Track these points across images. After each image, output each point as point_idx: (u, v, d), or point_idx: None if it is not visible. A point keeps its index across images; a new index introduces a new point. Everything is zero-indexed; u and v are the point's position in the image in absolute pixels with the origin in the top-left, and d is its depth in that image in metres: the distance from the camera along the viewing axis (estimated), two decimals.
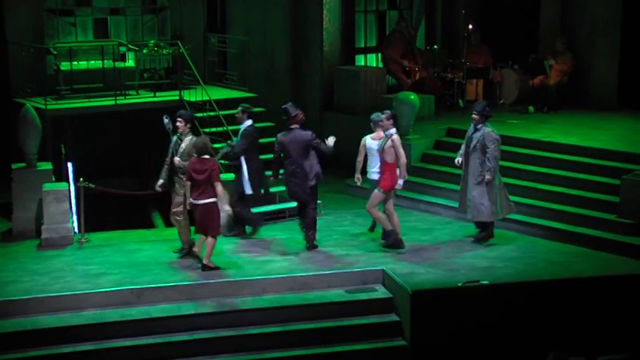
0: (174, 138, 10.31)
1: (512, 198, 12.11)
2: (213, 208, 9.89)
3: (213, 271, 10.07)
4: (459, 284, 9.66)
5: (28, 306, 9.33)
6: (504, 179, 12.48)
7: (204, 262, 10.04)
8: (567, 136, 13.14)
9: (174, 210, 10.39)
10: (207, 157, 9.85)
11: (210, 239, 9.99)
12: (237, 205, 11.20)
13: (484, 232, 11.14)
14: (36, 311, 9.30)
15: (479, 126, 10.89)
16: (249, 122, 11.25)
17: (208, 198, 9.82)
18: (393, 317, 9.68)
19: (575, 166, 12.27)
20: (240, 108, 11.40)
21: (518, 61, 15.51)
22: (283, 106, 10.87)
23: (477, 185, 10.86)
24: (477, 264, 10.42)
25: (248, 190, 11.16)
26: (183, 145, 10.19)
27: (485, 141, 10.76)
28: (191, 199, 9.90)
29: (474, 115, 10.94)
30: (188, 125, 10.24)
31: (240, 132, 11.25)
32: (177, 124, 10.23)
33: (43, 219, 11.28)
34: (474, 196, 10.88)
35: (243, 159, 11.09)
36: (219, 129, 12.81)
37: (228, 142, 11.32)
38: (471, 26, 16.08)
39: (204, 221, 9.92)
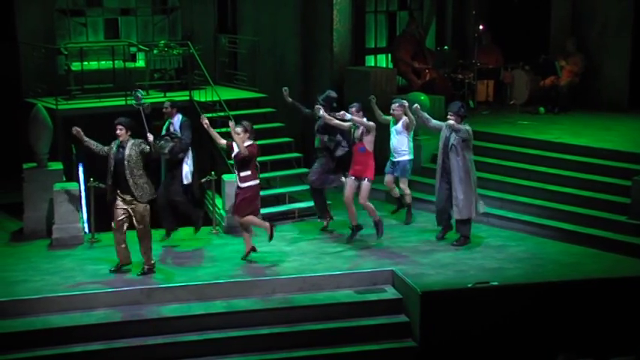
0: (115, 145, 9.88)
1: (522, 199, 12.17)
2: None
3: (223, 271, 10.17)
4: (469, 285, 9.66)
5: (39, 305, 9.39)
6: (514, 180, 12.52)
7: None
8: (578, 137, 13.12)
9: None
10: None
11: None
12: (178, 200, 11.03)
13: (462, 238, 11.11)
14: (46, 311, 9.37)
15: (455, 126, 10.93)
16: (179, 115, 11.08)
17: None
18: (403, 318, 9.70)
19: (586, 167, 12.25)
20: (168, 102, 11.18)
21: (529, 62, 15.49)
22: (333, 95, 11.46)
23: (459, 184, 10.88)
24: (486, 265, 10.42)
25: (187, 180, 10.97)
26: (127, 152, 9.79)
27: (461, 135, 10.83)
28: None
29: (449, 116, 11.00)
30: (128, 133, 9.88)
31: (179, 125, 11.00)
32: (118, 131, 9.84)
33: (54, 219, 11.34)
34: (458, 195, 10.89)
35: (190, 149, 10.98)
36: (230, 129, 12.80)
37: (167, 137, 10.85)
38: (481, 27, 16.06)
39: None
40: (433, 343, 9.45)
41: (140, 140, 9.90)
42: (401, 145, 11.67)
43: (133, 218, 9.89)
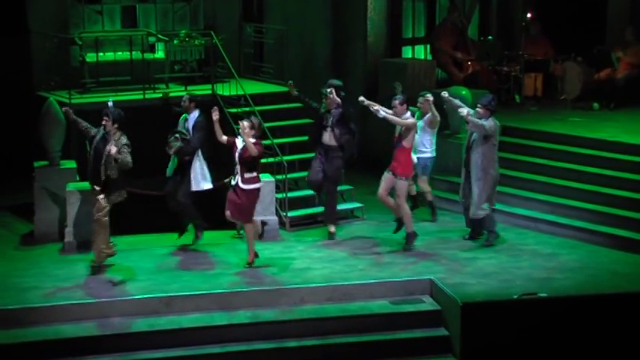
0: (101, 133, 10.29)
1: (573, 203, 12.11)
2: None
3: (248, 279, 10.25)
4: (515, 297, 9.63)
5: (50, 314, 9.50)
6: (565, 182, 12.45)
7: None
8: (635, 136, 13.00)
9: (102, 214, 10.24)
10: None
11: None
12: (183, 201, 11.18)
13: (490, 234, 11.32)
14: (58, 320, 9.46)
15: (483, 119, 11.03)
16: (197, 112, 11.18)
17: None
18: (442, 331, 9.70)
19: None
20: (187, 96, 11.31)
21: (582, 53, 15.39)
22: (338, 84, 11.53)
23: (476, 182, 11.07)
24: (534, 274, 10.38)
25: (196, 187, 11.10)
26: (108, 146, 10.09)
27: (471, 128, 11.03)
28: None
29: (478, 109, 11.13)
30: (115, 125, 10.17)
31: (192, 124, 11.14)
32: (103, 122, 10.25)
33: (67, 221, 11.47)
34: (474, 192, 11.11)
35: (199, 152, 11.08)
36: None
37: (176, 135, 11.06)
38: (529, 15, 15.98)
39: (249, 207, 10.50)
40: (475, 359, 9.41)
41: (125, 142, 10.13)
42: (423, 141, 11.88)
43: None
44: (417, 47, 17.15)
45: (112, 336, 9.28)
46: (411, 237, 11.16)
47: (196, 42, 14.49)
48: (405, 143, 10.94)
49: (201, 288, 10.00)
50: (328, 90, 11.41)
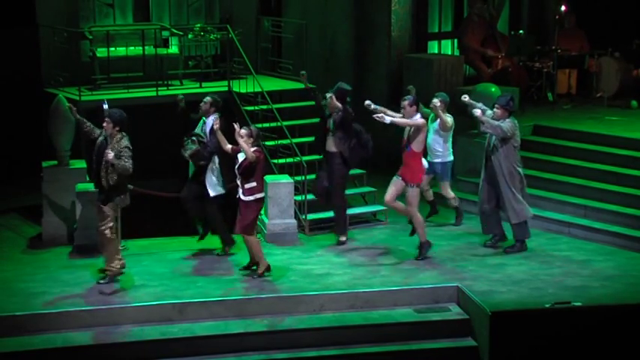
0: (103, 135, 10.10)
1: (610, 207, 12.04)
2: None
3: (265, 285, 10.27)
4: (547, 305, 9.60)
5: (59, 321, 9.56)
6: (601, 185, 12.39)
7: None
8: None
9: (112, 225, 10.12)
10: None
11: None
12: (209, 211, 11.23)
13: (519, 243, 11.27)
14: (67, 327, 9.53)
15: (500, 121, 10.97)
16: (215, 116, 11.09)
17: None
18: (469, 342, 9.68)
19: None
20: (208, 99, 11.24)
21: (620, 48, 15.31)
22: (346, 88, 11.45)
23: (506, 187, 11.02)
24: (567, 282, 10.35)
25: (214, 192, 11.10)
26: (108, 149, 9.87)
27: (485, 128, 10.92)
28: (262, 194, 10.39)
29: (495, 109, 11.04)
30: (116, 128, 9.98)
31: (210, 127, 11.09)
32: (104, 124, 10.03)
33: (76, 223, 11.55)
34: (509, 197, 11.05)
35: (215, 157, 11.08)
36: (273, 124, 12.95)
37: (193, 137, 11.09)
38: (563, 7, 15.92)
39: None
40: None
41: (125, 144, 9.97)
42: (436, 145, 11.83)
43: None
44: (443, 42, 17.13)
45: (122, 344, 9.32)
46: (424, 246, 11.09)
47: (212, 36, 14.56)
48: (415, 147, 10.71)
49: (216, 294, 10.04)
50: (328, 95, 11.36)
